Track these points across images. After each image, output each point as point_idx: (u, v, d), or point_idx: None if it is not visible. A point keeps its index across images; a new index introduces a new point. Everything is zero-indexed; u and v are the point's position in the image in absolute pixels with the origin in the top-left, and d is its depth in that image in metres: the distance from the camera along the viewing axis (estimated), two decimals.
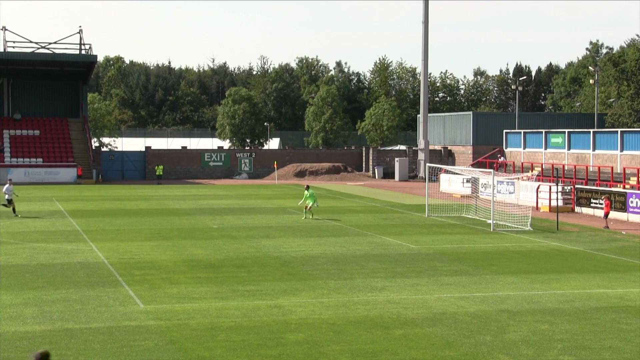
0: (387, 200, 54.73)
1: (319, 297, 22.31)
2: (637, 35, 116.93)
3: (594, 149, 60.48)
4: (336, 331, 18.54)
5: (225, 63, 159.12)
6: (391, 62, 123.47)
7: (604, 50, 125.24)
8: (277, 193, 60.46)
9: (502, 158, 70.93)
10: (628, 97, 76.60)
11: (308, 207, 41.89)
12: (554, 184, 47.41)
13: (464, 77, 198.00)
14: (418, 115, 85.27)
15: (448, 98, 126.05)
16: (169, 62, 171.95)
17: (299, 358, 16.50)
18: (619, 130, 59.53)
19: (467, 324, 19.27)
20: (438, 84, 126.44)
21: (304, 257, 29.13)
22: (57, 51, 76.72)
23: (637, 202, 42.61)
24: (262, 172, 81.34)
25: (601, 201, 44.29)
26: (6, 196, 42.79)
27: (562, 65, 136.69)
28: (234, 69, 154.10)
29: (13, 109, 79.39)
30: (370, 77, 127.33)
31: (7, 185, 43.45)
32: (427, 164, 50.72)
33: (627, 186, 49.57)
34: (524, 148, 69.26)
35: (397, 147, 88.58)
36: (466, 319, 19.83)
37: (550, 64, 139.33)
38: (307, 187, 43.27)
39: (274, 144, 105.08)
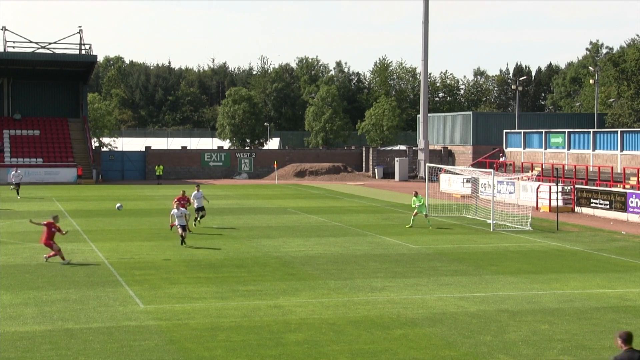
0: (387, 200, 54.74)
1: (319, 297, 22.31)
2: (637, 35, 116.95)
3: (594, 149, 60.47)
4: (336, 331, 18.54)
5: (225, 63, 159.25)
6: (391, 62, 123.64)
7: (604, 50, 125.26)
8: (277, 193, 60.46)
9: (503, 157, 70.92)
10: (628, 97, 76.59)
11: (424, 215, 38.77)
12: (554, 184, 47.40)
13: (464, 77, 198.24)
14: (418, 115, 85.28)
15: (448, 98, 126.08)
16: (169, 62, 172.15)
17: (299, 358, 16.50)
18: (619, 130, 59.52)
19: (467, 324, 19.27)
20: (438, 84, 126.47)
21: (304, 257, 29.14)
22: (57, 51, 76.76)
23: (637, 202, 42.60)
24: (262, 172, 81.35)
25: (603, 201, 44.27)
26: (195, 204, 38.32)
27: (562, 65, 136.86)
28: (234, 69, 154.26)
29: (13, 109, 79.41)
30: (370, 77, 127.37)
31: (194, 192, 38.67)
32: (427, 164, 50.70)
33: (627, 186, 49.56)
34: (524, 148, 69.25)
35: (397, 147, 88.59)
36: (466, 319, 19.84)
37: (550, 64, 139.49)
38: (416, 194, 39.14)
39: (274, 144, 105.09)
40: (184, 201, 35.86)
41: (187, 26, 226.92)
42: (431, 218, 42.67)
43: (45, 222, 28.11)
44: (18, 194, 54.96)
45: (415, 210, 38.87)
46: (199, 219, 38.34)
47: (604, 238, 35.85)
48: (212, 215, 43.71)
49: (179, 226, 31.81)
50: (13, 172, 58.72)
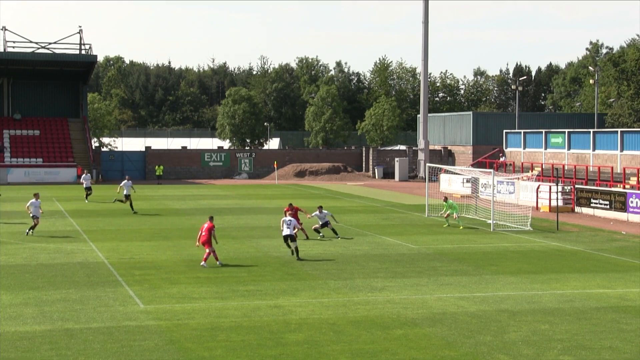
0: (387, 200, 54.73)
1: (319, 297, 22.31)
2: (637, 35, 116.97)
3: (594, 149, 60.47)
4: (336, 331, 18.55)
5: (225, 63, 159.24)
6: (391, 62, 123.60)
7: (604, 50, 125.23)
8: (277, 193, 60.43)
9: (503, 157, 70.93)
10: (628, 97, 76.58)
11: (454, 216, 39.20)
12: (554, 184, 47.40)
13: (464, 77, 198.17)
14: (418, 115, 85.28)
15: (448, 98, 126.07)
16: (169, 62, 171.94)
17: (299, 358, 16.50)
18: (619, 130, 59.52)
19: (467, 324, 19.27)
20: (438, 84, 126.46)
21: (304, 257, 29.11)
22: (57, 51, 76.75)
23: (637, 202, 42.60)
24: (262, 172, 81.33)
25: (603, 201, 44.27)
26: (320, 221, 35.09)
27: (562, 65, 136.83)
28: (234, 69, 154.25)
29: (13, 109, 79.41)
30: (370, 77, 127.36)
31: (316, 212, 35.28)
32: (427, 164, 50.70)
33: (627, 186, 49.55)
34: (524, 148, 69.25)
35: (397, 147, 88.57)
36: (466, 319, 19.84)
37: (550, 64, 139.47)
38: (445, 199, 40.09)
39: (274, 144, 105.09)
40: (291, 211, 32.97)
41: (187, 26, 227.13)
42: (432, 217, 42.71)
43: (205, 228, 27.34)
44: (87, 198, 52.13)
45: (447, 212, 39.18)
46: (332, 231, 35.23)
47: (604, 238, 35.85)
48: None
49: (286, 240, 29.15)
50: (84, 176, 54.87)
